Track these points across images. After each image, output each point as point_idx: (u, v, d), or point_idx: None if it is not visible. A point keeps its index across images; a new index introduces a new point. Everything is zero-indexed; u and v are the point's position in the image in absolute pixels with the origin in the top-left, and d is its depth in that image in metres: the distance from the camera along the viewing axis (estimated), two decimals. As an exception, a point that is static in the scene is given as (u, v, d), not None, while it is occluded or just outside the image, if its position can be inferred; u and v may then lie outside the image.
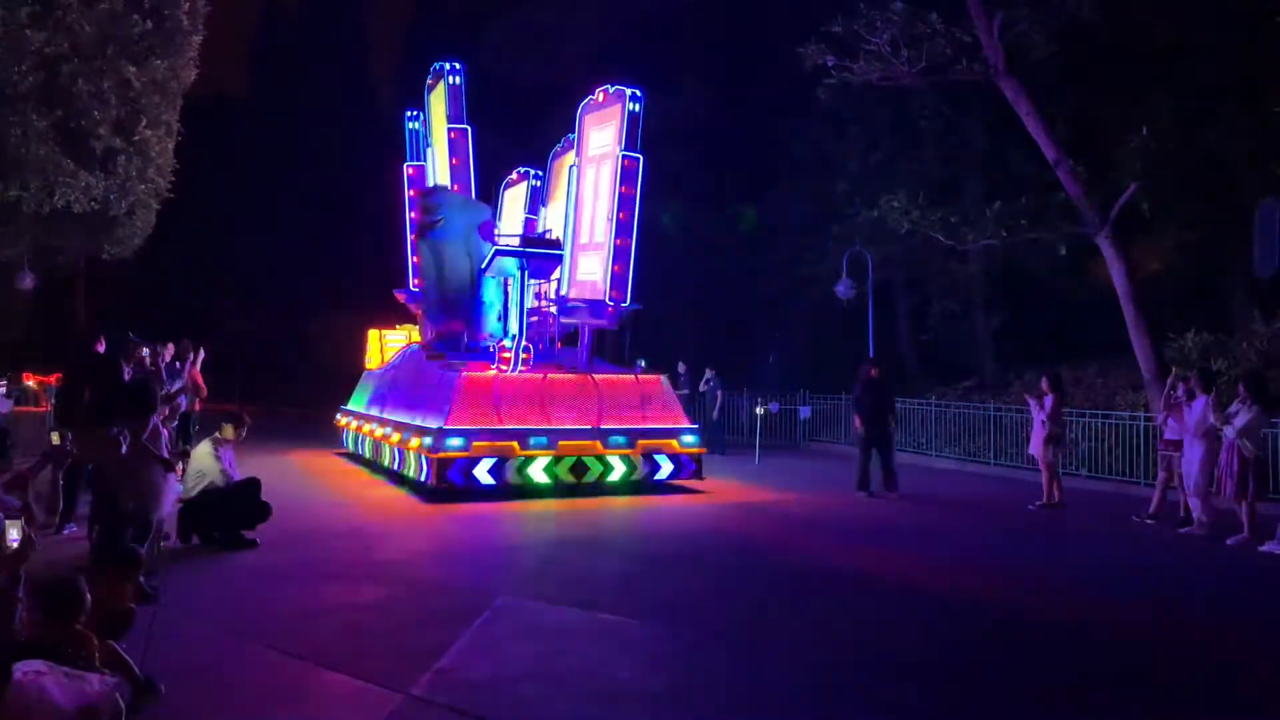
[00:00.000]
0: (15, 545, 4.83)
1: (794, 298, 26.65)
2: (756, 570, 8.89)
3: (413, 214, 17.66)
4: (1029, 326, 23.67)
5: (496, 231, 16.54)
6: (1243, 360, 14.79)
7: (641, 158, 13.86)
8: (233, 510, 9.25)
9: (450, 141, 17.60)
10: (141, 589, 6.22)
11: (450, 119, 17.49)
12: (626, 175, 13.80)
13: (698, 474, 13.48)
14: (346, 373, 20.77)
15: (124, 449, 7.31)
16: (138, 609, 5.46)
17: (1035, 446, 12.75)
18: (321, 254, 34.22)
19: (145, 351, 11.74)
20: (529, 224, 17.86)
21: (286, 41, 36.07)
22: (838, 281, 21.04)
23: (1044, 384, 12.64)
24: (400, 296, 18.98)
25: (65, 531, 9.50)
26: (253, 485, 9.40)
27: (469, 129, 17.61)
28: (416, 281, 18.12)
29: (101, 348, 9.88)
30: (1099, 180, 15.55)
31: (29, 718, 3.96)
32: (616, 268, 13.71)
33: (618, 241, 13.73)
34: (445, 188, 17.00)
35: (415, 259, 18.40)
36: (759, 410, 18.60)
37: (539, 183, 18.12)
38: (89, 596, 4.64)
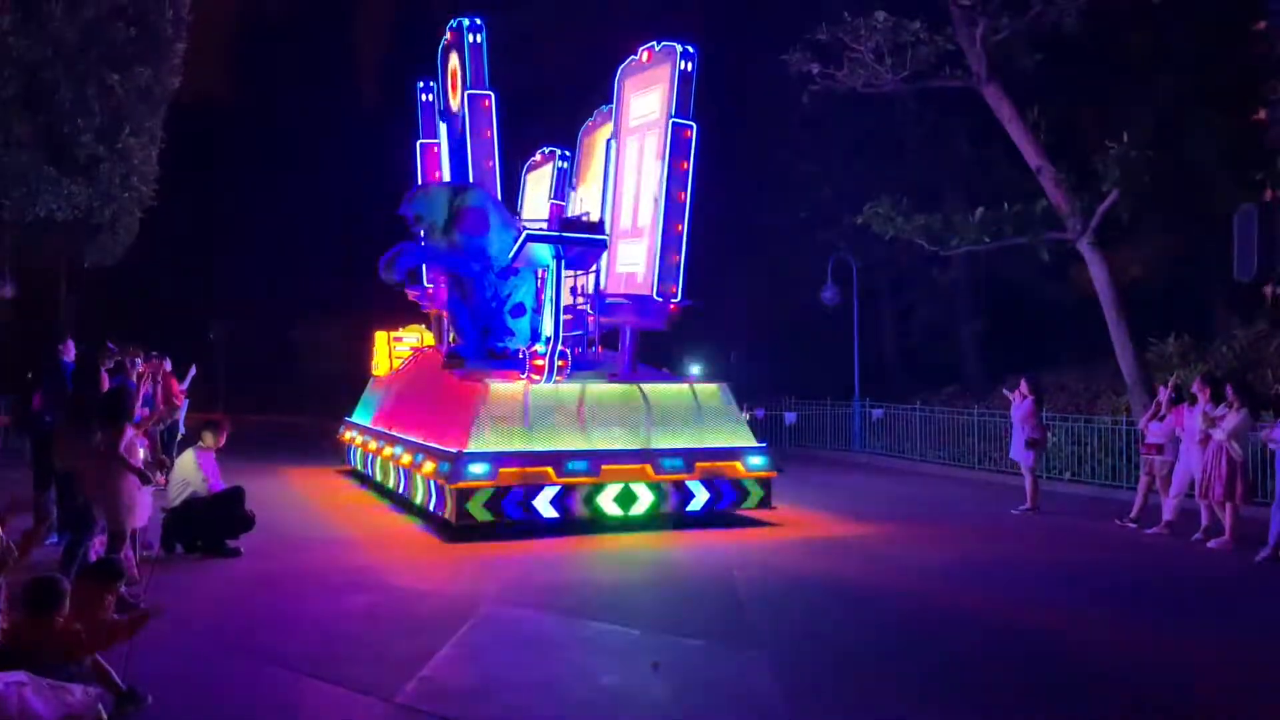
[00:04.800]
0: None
1: (778, 303, 26.71)
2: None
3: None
4: (1012, 332, 23.83)
5: (520, 216, 14.81)
6: (1222, 364, 14.93)
7: (696, 125, 11.84)
8: (216, 519, 9.22)
9: (470, 111, 15.14)
10: (123, 599, 6.20)
11: (470, 84, 15.08)
12: (679, 147, 11.73)
13: (766, 502, 11.38)
14: (350, 380, 19.56)
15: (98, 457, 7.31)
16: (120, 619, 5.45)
17: (1016, 451, 12.83)
18: (318, 253, 33.90)
19: (118, 357, 11.57)
20: (555, 210, 15.63)
21: (272, 35, 35.77)
22: (823, 287, 21.15)
23: (1023, 386, 12.73)
24: (411, 294, 17.21)
25: (49, 542, 9.43)
26: (236, 494, 9.36)
27: (493, 95, 15.15)
28: (433, 276, 16.46)
29: (69, 356, 9.82)
30: (1081, 187, 15.69)
31: (10, 729, 3.95)
32: (672, 257, 11.80)
33: (673, 227, 11.79)
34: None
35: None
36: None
37: (566, 164, 16.19)
38: (67, 595, 4.65)
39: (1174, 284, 20.45)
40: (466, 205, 13.13)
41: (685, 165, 11.84)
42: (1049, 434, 14.16)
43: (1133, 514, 11.54)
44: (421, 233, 13.58)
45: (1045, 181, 15.93)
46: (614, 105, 13.22)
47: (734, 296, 27.74)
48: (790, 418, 20.58)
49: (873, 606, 7.80)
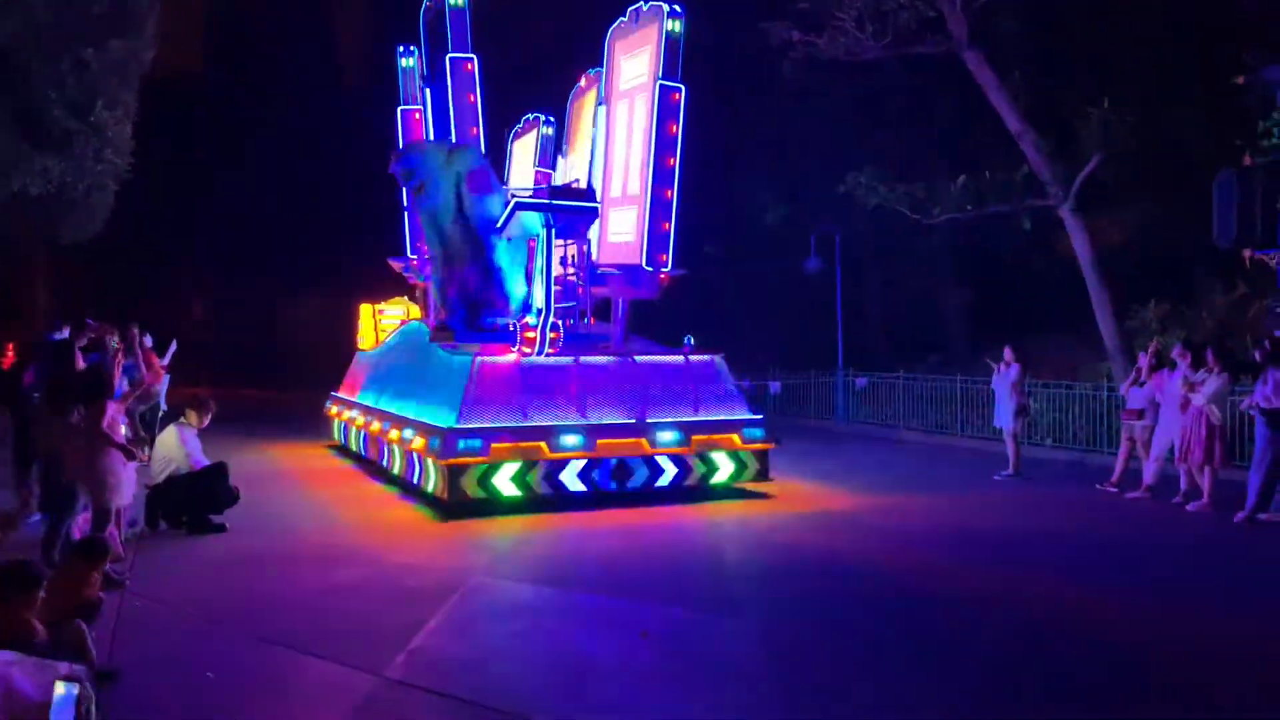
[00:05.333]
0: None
1: (761, 274, 26.67)
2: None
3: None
4: (995, 301, 23.91)
5: (507, 185, 14.45)
6: (1202, 329, 15.06)
7: (685, 88, 11.56)
8: (199, 494, 9.18)
9: (453, 75, 14.82)
10: (109, 577, 6.19)
11: (453, 47, 14.68)
12: (667, 110, 11.45)
13: (763, 474, 11.25)
14: (336, 353, 19.19)
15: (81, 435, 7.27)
16: (106, 597, 5.44)
17: (1004, 419, 12.92)
18: (299, 226, 33.47)
19: (93, 334, 11.39)
20: (541, 179, 15.43)
21: (249, 4, 35.14)
22: (806, 258, 21.15)
23: (1008, 354, 12.82)
24: (396, 266, 16.88)
25: (31, 520, 9.38)
26: (220, 469, 9.32)
27: (475, 59, 14.82)
28: (421, 247, 15.76)
29: (60, 335, 9.74)
30: (1062, 153, 15.71)
31: (-3, 708, 3.94)
32: (662, 225, 11.51)
33: (661, 193, 11.46)
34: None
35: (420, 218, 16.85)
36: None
37: (551, 130, 15.89)
38: (42, 584, 4.61)
39: (1155, 250, 20.52)
40: (473, 165, 12.71)
41: (674, 129, 11.61)
42: (1031, 400, 14.29)
43: (1114, 478, 11.67)
44: (410, 190, 13.20)
45: (1026, 147, 15.95)
46: (604, 68, 12.87)
47: (717, 267, 27.72)
48: (775, 387, 20.63)
49: (860, 575, 7.85)
